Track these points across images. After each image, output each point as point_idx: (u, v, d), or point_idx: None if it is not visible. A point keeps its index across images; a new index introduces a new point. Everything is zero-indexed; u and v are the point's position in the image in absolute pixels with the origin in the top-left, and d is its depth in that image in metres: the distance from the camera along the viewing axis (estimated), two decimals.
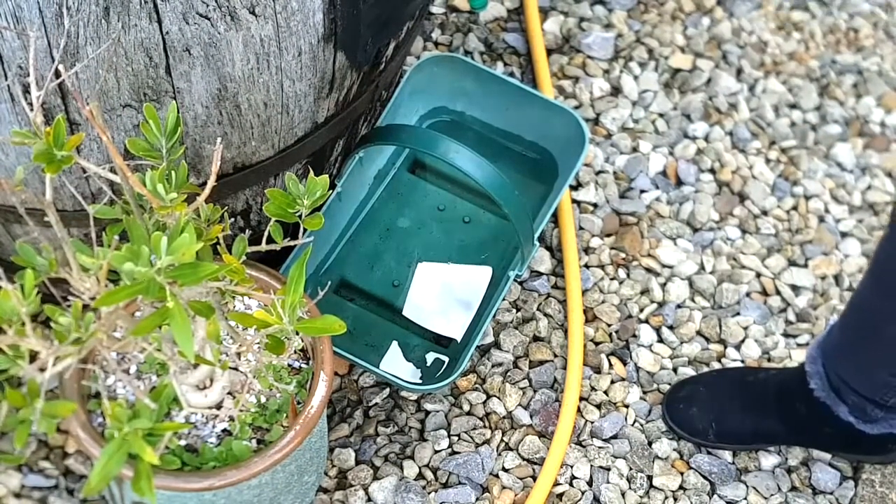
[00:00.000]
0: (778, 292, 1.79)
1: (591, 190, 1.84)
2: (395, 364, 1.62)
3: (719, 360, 1.71)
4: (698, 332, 1.74)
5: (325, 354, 1.29)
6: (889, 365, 1.43)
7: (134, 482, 0.99)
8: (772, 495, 1.61)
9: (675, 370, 1.70)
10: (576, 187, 1.85)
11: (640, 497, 1.59)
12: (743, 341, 1.73)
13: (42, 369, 0.98)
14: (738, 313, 1.76)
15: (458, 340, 1.64)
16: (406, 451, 1.60)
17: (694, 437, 1.62)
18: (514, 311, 1.72)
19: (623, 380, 1.69)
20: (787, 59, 2.05)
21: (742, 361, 1.71)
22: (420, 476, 1.58)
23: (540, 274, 1.76)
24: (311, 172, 1.29)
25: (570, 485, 1.60)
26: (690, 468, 1.62)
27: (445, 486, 1.58)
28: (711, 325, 1.74)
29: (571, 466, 1.61)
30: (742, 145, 1.93)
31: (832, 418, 1.50)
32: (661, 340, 1.73)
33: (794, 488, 1.62)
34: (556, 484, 1.59)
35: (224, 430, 1.29)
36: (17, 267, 1.05)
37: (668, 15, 2.07)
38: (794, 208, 1.88)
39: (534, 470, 1.60)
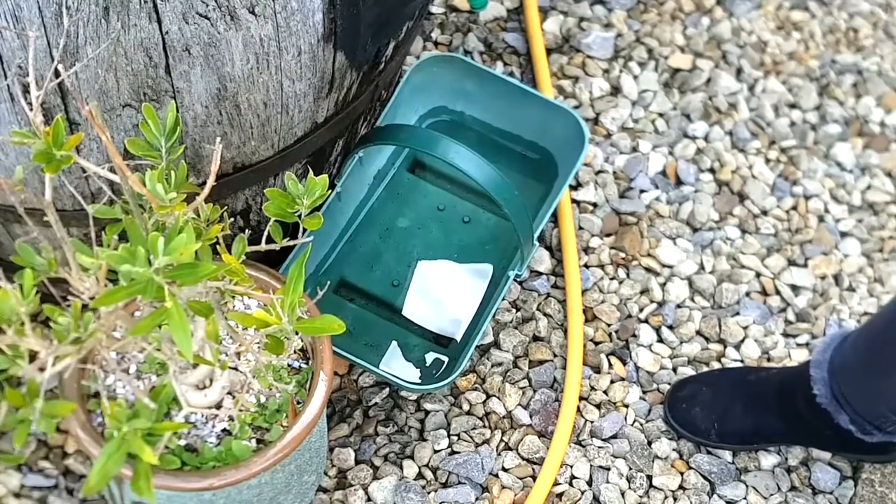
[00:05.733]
0: (778, 292, 1.79)
1: (590, 190, 1.84)
2: (395, 364, 1.62)
3: (719, 360, 1.71)
4: (698, 332, 1.74)
5: (324, 354, 1.29)
6: (892, 403, 1.44)
7: (133, 482, 0.99)
8: (771, 495, 1.61)
9: (674, 370, 1.70)
10: (575, 187, 1.85)
11: (640, 497, 1.59)
12: (742, 341, 1.73)
13: (41, 369, 0.98)
14: (737, 313, 1.76)
15: (458, 340, 1.64)
16: (406, 451, 1.60)
17: (696, 437, 1.62)
18: (514, 310, 1.72)
19: (623, 379, 1.69)
20: (787, 59, 2.04)
21: (742, 361, 1.71)
22: (420, 476, 1.58)
23: (540, 274, 1.76)
24: (311, 172, 1.28)
25: (570, 484, 1.60)
26: (690, 468, 1.62)
27: (445, 485, 1.58)
28: (711, 325, 1.74)
29: (571, 466, 1.61)
30: (742, 145, 1.93)
31: (833, 423, 1.50)
32: (660, 340, 1.73)
33: (793, 488, 1.62)
34: (556, 483, 1.59)
35: (224, 430, 1.29)
36: (16, 267, 1.05)
37: (668, 15, 2.07)
38: (794, 208, 1.88)
39: (533, 470, 1.60)
